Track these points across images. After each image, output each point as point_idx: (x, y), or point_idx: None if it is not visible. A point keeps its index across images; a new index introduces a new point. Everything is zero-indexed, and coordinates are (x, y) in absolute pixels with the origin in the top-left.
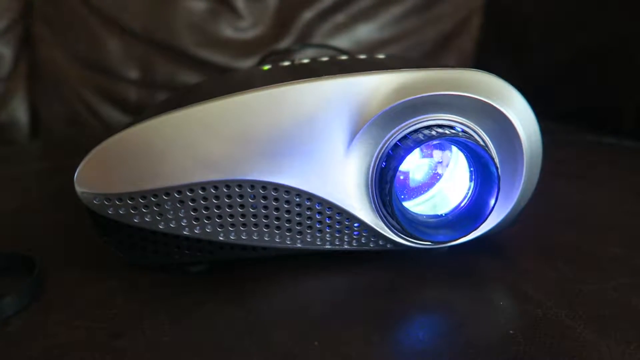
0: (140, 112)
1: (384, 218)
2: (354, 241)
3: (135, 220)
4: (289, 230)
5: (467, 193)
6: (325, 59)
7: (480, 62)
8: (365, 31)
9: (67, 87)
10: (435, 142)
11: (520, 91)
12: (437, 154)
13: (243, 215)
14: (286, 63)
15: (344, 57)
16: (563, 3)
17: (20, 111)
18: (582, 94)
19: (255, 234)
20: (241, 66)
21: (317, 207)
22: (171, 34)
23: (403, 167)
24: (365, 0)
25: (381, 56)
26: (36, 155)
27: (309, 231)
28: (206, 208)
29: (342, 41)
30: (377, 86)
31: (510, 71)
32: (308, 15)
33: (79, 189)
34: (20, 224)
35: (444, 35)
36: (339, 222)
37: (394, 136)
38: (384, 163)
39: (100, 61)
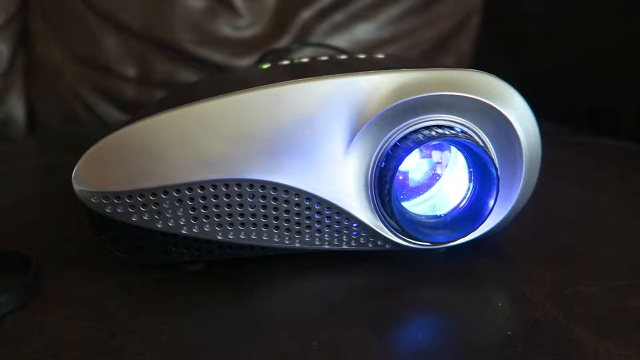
0: (137, 110)
1: (383, 218)
2: (353, 241)
3: (133, 219)
4: (288, 229)
5: (466, 194)
6: (324, 58)
7: (479, 63)
8: (363, 31)
9: (64, 84)
10: (434, 142)
11: (519, 92)
12: (436, 154)
13: (242, 215)
14: (285, 62)
15: (343, 57)
16: (562, 4)
17: (17, 108)
18: (580, 95)
19: (254, 233)
20: (239, 65)
21: (316, 207)
22: (169, 31)
23: (402, 167)
24: (364, 0)
25: (380, 56)
26: (33, 152)
27: (307, 231)
28: (205, 207)
29: (340, 40)
30: (377, 86)
31: (508, 71)
32: (307, 14)
33: (76, 187)
34: (18, 221)
35: (443, 35)
36: (337, 222)
37: (394, 136)
38: (383, 163)
39: (98, 58)
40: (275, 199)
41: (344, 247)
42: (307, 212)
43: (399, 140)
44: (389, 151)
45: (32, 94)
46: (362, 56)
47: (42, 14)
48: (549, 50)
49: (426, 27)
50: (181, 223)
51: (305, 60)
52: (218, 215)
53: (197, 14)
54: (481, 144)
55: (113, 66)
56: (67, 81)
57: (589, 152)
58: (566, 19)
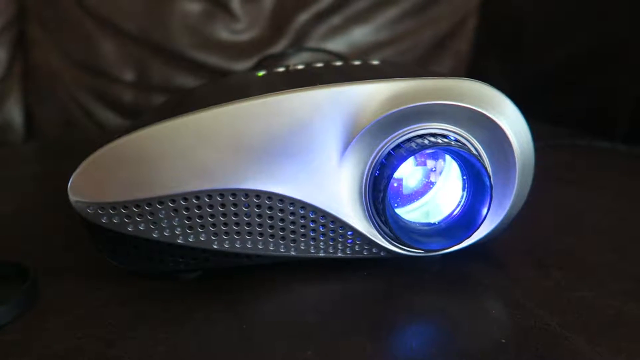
0: (135, 115)
1: (377, 226)
2: (348, 249)
3: (129, 229)
4: (283, 238)
5: (460, 201)
6: (319, 64)
7: (476, 65)
8: (360, 33)
9: (61, 89)
10: (428, 151)
11: (514, 96)
12: (430, 162)
13: (237, 224)
14: (281, 69)
15: (338, 63)
16: (559, 5)
17: (14, 113)
18: (577, 97)
19: (249, 242)
20: (237, 68)
21: (311, 216)
22: (167, 35)
23: (396, 174)
24: (361, 3)
25: (375, 62)
26: (32, 157)
27: (302, 239)
28: (200, 217)
29: (337, 43)
30: (371, 95)
31: (506, 73)
32: (303, 17)
33: (72, 197)
34: (16, 229)
35: (440, 37)
36: (332, 230)
37: (387, 145)
38: (377, 172)
39: (95, 63)
40: (270, 208)
41: (339, 255)
42: (302, 221)
43: (392, 149)
44: (383, 160)
45: (30, 99)
46: (357, 62)
47: (39, 19)
48: (547, 52)
49: (423, 30)
50: (177, 233)
51: (300, 67)
52: (213, 225)
53: (195, 17)
54: (474, 152)
55: (111, 70)
56: (65, 86)
57: (586, 155)
58: (564, 20)
